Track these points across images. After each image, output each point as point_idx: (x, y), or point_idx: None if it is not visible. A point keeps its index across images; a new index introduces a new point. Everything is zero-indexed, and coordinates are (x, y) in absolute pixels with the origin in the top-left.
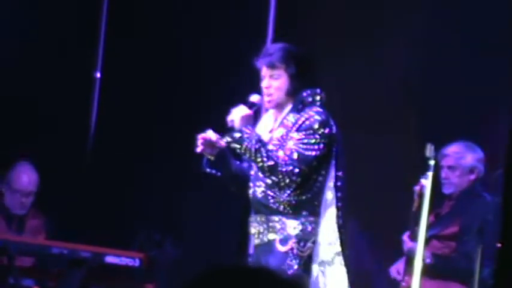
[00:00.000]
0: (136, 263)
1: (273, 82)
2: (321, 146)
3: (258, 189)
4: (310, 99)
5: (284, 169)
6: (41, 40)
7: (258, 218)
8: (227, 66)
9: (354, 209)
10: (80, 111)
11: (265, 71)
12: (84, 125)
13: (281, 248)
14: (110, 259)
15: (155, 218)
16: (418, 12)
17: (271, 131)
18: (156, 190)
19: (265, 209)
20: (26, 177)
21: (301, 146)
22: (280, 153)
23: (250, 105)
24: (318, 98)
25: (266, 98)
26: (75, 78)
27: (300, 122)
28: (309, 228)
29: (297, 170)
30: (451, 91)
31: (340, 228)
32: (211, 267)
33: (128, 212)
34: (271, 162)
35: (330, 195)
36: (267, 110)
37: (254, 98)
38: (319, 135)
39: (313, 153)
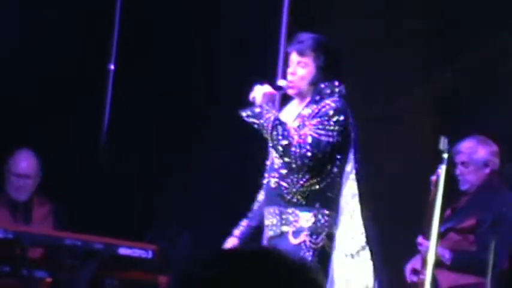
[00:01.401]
0: (149, 254)
1: (299, 70)
2: (335, 133)
3: (272, 179)
4: (328, 90)
5: (297, 150)
6: (55, 33)
7: (272, 210)
8: (241, 59)
9: (371, 203)
10: (94, 103)
11: (293, 57)
12: (99, 117)
13: (293, 241)
14: (123, 251)
15: (169, 212)
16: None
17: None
18: (170, 183)
19: (279, 200)
20: (23, 160)
21: (315, 131)
22: (296, 136)
23: (276, 88)
24: (336, 90)
25: (289, 84)
26: (90, 71)
27: (316, 111)
28: (322, 220)
29: (309, 154)
30: (468, 85)
31: (365, 222)
32: (220, 250)
33: (142, 206)
34: (285, 142)
35: (352, 187)
36: (291, 99)
37: (281, 82)
38: (334, 122)
39: (328, 139)
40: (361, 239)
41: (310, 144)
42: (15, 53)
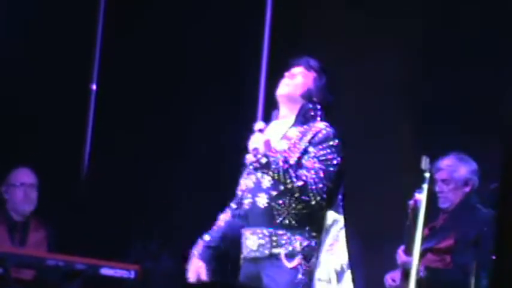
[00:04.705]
0: (132, 275)
1: (299, 77)
2: (338, 159)
3: (259, 200)
4: (312, 113)
5: (314, 187)
6: (37, 53)
7: (259, 231)
8: (225, 78)
9: (350, 223)
10: (76, 123)
11: (298, 69)
12: (80, 137)
13: (288, 264)
14: (105, 271)
15: (151, 230)
16: (414, 22)
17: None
18: (152, 201)
19: (269, 221)
20: (26, 173)
21: (324, 163)
22: (307, 172)
23: (260, 131)
24: (318, 113)
25: (283, 86)
26: (72, 91)
27: (311, 135)
28: (313, 243)
29: (325, 188)
30: (446, 101)
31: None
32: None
33: (124, 224)
34: (300, 182)
35: (335, 211)
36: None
37: (259, 125)
38: (335, 148)
39: (334, 168)
40: (341, 262)
41: (323, 178)
42: None
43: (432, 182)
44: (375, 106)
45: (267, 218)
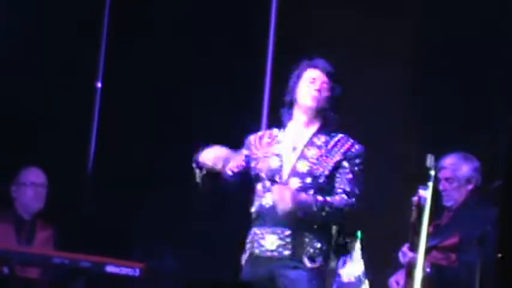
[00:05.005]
0: (137, 272)
1: (325, 91)
2: (363, 177)
3: None
4: (334, 122)
5: (349, 200)
6: (42, 51)
7: (279, 231)
8: (228, 76)
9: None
10: (81, 121)
11: (319, 75)
12: (85, 135)
13: (310, 265)
14: (110, 269)
15: (156, 229)
16: (412, 20)
17: (294, 149)
18: (157, 201)
19: (291, 223)
20: (37, 172)
21: (356, 178)
22: (346, 197)
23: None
24: (338, 123)
25: (314, 99)
26: (77, 89)
27: (343, 148)
28: (325, 246)
29: (355, 203)
30: (451, 100)
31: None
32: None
33: (129, 223)
34: (340, 206)
35: None
36: (284, 127)
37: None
38: (364, 165)
39: (363, 183)
40: (358, 272)
41: (355, 194)
42: None
43: (437, 180)
44: (377, 106)
45: (289, 219)
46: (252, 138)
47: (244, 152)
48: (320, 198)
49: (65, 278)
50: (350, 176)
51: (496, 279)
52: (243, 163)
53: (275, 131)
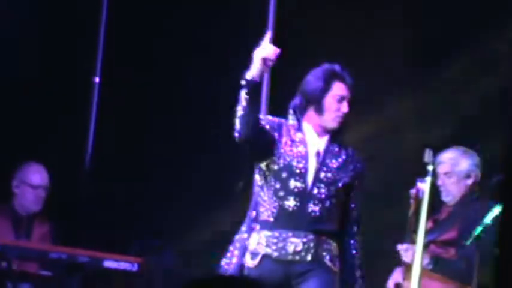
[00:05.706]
0: (135, 267)
1: (346, 106)
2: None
3: (311, 205)
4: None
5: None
6: (39, 46)
7: (303, 234)
8: (227, 74)
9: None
10: (78, 116)
11: (346, 93)
12: (83, 131)
13: (333, 268)
14: (108, 264)
15: (154, 224)
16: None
17: (318, 155)
18: (156, 196)
19: (315, 227)
20: (38, 172)
21: (361, 193)
22: (356, 229)
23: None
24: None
25: (339, 123)
26: (74, 84)
27: (353, 163)
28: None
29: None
30: (448, 94)
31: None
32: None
33: (127, 218)
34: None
35: None
36: (299, 128)
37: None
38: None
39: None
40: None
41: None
42: None
43: (435, 174)
44: (377, 98)
45: (314, 223)
46: (282, 124)
47: (275, 129)
48: (358, 273)
49: (63, 273)
50: (358, 196)
51: (495, 273)
52: (268, 128)
53: (293, 126)
